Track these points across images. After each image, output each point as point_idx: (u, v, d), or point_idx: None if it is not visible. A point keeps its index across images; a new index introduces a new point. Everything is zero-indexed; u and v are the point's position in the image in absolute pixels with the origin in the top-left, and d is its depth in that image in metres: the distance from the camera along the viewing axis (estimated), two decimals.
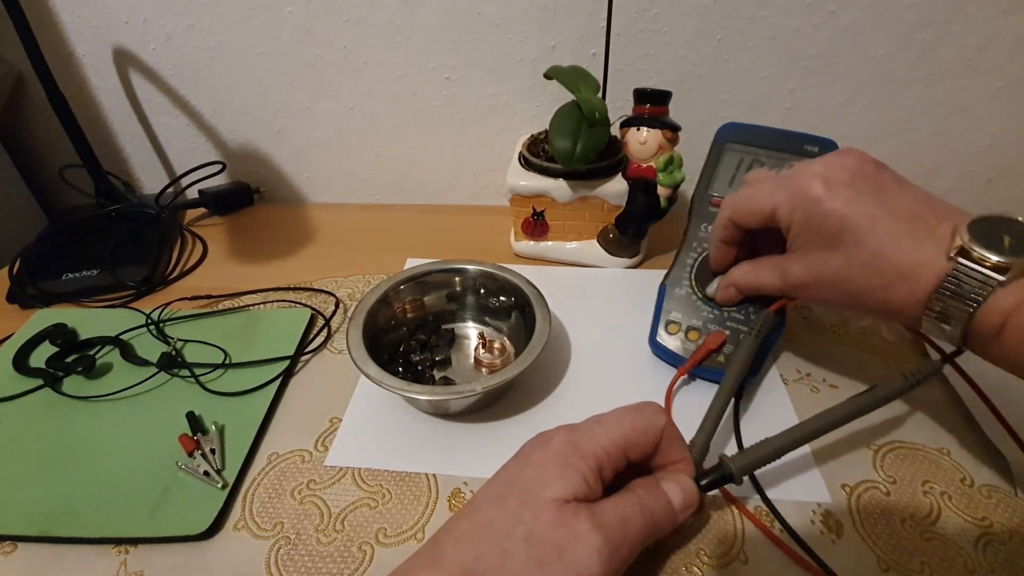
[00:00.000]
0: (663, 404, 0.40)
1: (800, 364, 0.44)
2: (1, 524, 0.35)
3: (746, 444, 0.37)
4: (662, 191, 0.49)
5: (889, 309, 0.31)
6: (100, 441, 0.40)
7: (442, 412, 0.41)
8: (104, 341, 0.48)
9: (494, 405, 0.42)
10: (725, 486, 0.35)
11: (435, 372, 0.44)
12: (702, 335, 0.42)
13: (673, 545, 0.33)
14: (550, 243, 0.56)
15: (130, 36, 0.61)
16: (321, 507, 0.36)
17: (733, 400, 0.40)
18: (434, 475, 0.37)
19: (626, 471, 0.29)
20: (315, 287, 0.54)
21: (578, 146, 0.47)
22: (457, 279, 0.48)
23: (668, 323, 0.44)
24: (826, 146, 0.43)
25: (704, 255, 0.44)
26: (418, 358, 0.45)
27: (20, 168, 0.68)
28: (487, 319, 0.49)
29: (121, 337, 0.48)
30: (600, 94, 0.51)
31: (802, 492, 0.35)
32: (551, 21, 0.56)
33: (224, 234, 0.65)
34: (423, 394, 0.38)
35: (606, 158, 0.51)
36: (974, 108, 0.56)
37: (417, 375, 0.43)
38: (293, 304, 0.52)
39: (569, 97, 0.49)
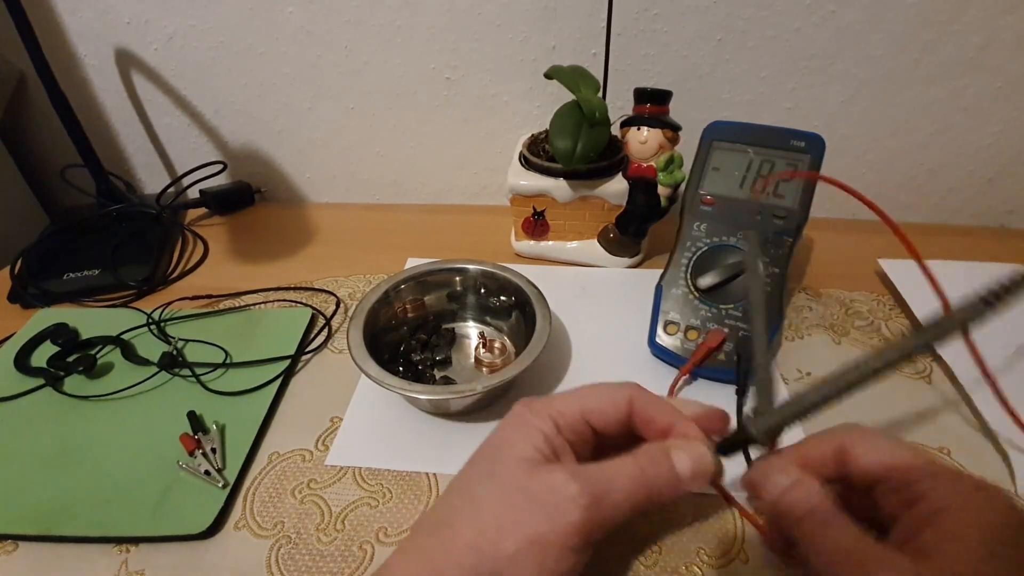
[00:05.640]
0: None
1: (800, 364, 0.44)
2: (2, 523, 0.35)
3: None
4: (662, 191, 0.49)
5: None
6: (101, 440, 0.40)
7: (443, 412, 0.41)
8: (105, 341, 0.48)
9: (494, 405, 0.42)
10: (726, 488, 0.35)
11: (436, 372, 0.44)
12: (701, 334, 0.42)
13: (673, 544, 0.33)
14: (550, 243, 0.56)
15: (132, 37, 0.61)
16: (322, 506, 0.36)
17: (736, 399, 0.40)
18: (434, 474, 0.37)
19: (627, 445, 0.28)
20: (316, 287, 0.54)
21: (578, 146, 0.47)
22: (458, 279, 0.48)
23: (666, 323, 0.44)
24: (812, 141, 0.43)
25: (700, 253, 0.44)
26: (419, 357, 0.45)
27: (22, 168, 0.68)
28: (487, 319, 0.49)
29: (122, 337, 0.48)
30: (600, 94, 0.51)
31: None
32: (551, 21, 0.56)
33: (225, 234, 0.65)
34: (424, 393, 0.38)
35: (606, 158, 0.51)
36: (974, 108, 0.56)
37: (418, 374, 0.43)
38: (294, 304, 0.52)
39: (569, 97, 0.49)
